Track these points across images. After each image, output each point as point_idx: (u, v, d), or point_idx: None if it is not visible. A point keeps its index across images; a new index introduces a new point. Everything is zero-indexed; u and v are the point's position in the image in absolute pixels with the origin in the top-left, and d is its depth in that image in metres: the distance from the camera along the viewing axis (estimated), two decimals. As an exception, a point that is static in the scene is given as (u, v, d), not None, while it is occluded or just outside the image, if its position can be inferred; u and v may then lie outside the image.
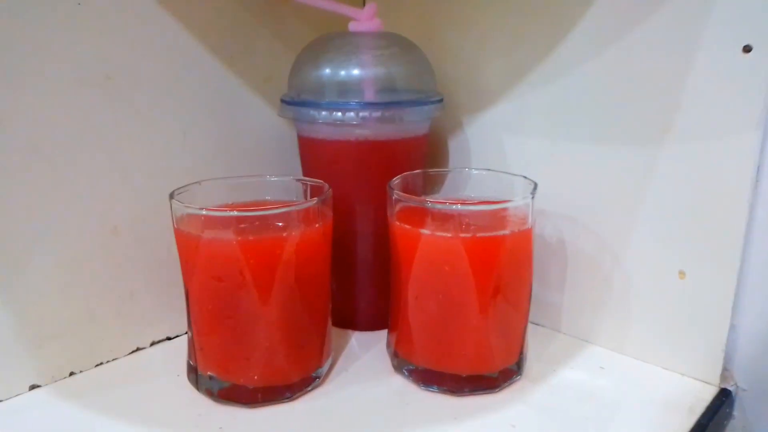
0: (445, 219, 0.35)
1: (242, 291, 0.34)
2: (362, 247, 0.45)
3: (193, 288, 0.36)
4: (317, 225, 0.36)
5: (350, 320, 0.46)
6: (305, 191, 0.41)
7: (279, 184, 0.42)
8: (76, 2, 0.37)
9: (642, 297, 0.41)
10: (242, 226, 0.34)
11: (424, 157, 0.46)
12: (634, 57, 0.39)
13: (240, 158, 0.47)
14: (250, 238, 0.34)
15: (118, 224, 0.41)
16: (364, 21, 0.42)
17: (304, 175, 0.46)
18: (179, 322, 0.44)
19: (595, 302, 0.43)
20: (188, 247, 0.35)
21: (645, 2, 0.37)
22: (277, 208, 0.34)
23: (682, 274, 0.39)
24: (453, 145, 0.50)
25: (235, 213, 0.34)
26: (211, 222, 0.34)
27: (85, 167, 0.39)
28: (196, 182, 0.39)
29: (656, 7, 0.37)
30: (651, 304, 0.41)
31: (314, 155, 0.44)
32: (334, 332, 0.42)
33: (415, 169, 0.43)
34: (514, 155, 0.46)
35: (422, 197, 0.42)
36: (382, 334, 0.43)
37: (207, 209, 0.34)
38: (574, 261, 0.44)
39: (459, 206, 0.35)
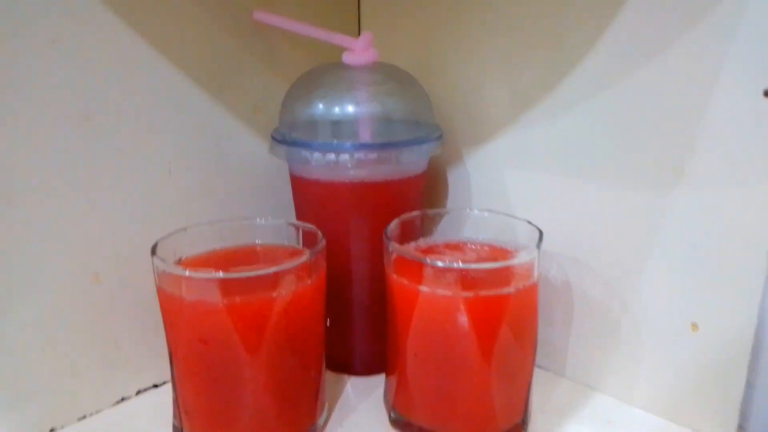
0: (445, 275, 0.33)
1: (229, 354, 0.32)
2: (357, 290, 0.43)
3: (178, 349, 0.34)
4: (309, 281, 0.34)
5: (345, 364, 0.44)
6: (297, 236, 0.39)
7: (269, 227, 0.40)
8: (50, 39, 0.34)
9: (652, 346, 0.39)
10: (228, 286, 0.32)
11: (421, 194, 0.43)
12: (648, 94, 0.36)
13: (229, 194, 0.45)
14: (237, 300, 0.32)
15: (99, 270, 0.39)
16: (358, 52, 0.40)
17: (297, 212, 0.43)
18: (166, 368, 0.42)
19: (603, 348, 0.41)
20: (171, 308, 0.33)
21: (661, 37, 0.35)
22: (265, 267, 0.32)
23: (694, 326, 0.37)
24: (452, 180, 0.47)
25: (221, 275, 0.31)
26: (195, 283, 0.32)
27: (63, 212, 0.37)
28: (181, 229, 0.37)
29: (672, 42, 0.34)
30: (661, 354, 0.39)
31: (307, 195, 0.42)
32: (328, 377, 0.40)
33: (413, 208, 0.41)
34: (517, 191, 0.44)
35: (422, 242, 0.40)
36: (379, 380, 0.41)
37: (190, 270, 0.32)
38: (581, 304, 0.42)
39: (460, 264, 0.33)
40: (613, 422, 0.39)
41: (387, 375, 0.40)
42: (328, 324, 0.39)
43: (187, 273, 0.32)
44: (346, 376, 0.44)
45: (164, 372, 0.43)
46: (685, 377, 0.38)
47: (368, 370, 0.44)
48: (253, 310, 0.32)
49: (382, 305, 0.39)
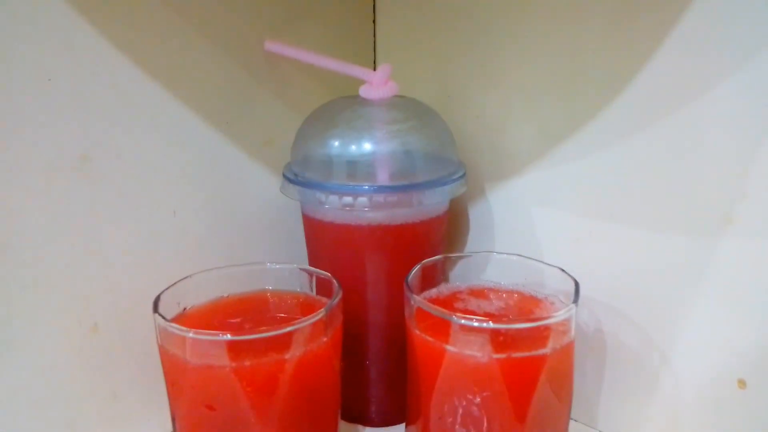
0: (475, 333, 0.30)
1: (239, 420, 0.30)
2: (374, 338, 0.40)
3: (181, 415, 0.31)
4: (325, 338, 0.31)
5: (361, 415, 0.41)
6: (310, 282, 0.36)
7: (281, 272, 0.37)
8: (47, 78, 0.32)
9: (694, 405, 0.36)
10: (237, 348, 0.29)
11: (443, 237, 0.41)
12: (695, 131, 0.33)
13: (237, 237, 0.42)
14: (247, 363, 0.29)
15: (98, 321, 0.36)
16: (377, 85, 0.37)
17: (309, 255, 0.41)
18: (167, 420, 0.40)
19: (638, 403, 0.38)
20: (174, 370, 0.30)
21: (710, 67, 0.32)
22: (277, 328, 0.29)
23: (741, 383, 0.34)
24: (474, 219, 0.44)
25: (228, 337, 0.29)
26: (200, 345, 0.29)
27: (60, 259, 0.34)
28: (186, 277, 0.35)
29: (724, 76, 0.32)
30: (704, 412, 0.36)
31: (321, 238, 0.39)
32: (342, 427, 0.37)
33: (434, 251, 0.38)
34: (544, 231, 0.41)
35: (444, 288, 0.37)
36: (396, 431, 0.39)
37: (195, 332, 0.29)
38: (614, 354, 0.39)
39: (491, 324, 0.30)
40: (652, 487, 0.36)
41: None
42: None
43: (191, 334, 0.29)
44: (360, 427, 0.41)
45: (166, 424, 0.40)
46: (731, 438, 0.35)
47: (384, 422, 0.41)
48: (264, 373, 0.29)
49: (400, 353, 0.36)
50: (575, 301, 0.32)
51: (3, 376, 0.33)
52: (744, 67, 0.31)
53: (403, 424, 0.38)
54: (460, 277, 0.39)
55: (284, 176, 0.38)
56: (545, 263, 0.36)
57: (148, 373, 0.38)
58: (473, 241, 0.45)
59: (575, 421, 0.42)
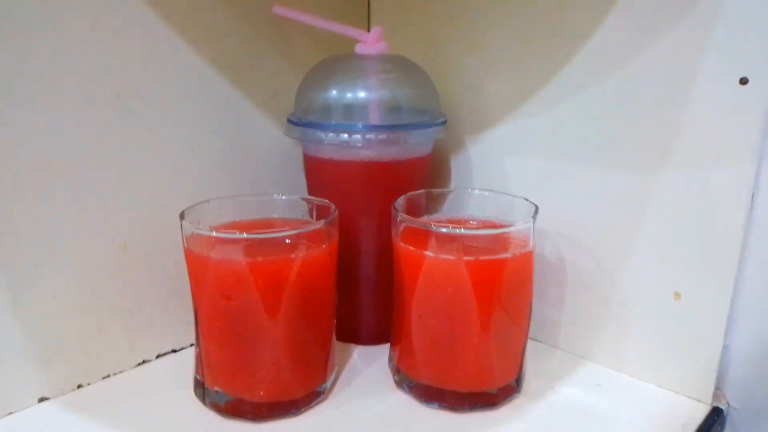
0: (448, 241, 0.36)
1: (250, 309, 0.35)
2: (366, 264, 0.46)
3: (203, 306, 0.37)
4: (324, 246, 0.37)
5: (353, 334, 0.47)
6: (311, 210, 0.42)
7: (286, 202, 0.43)
8: (90, 27, 0.38)
9: (638, 316, 0.42)
10: (251, 247, 0.35)
11: (427, 176, 0.47)
12: (635, 84, 0.40)
13: (247, 173, 0.48)
14: (259, 259, 0.35)
15: (127, 240, 0.42)
16: (370, 44, 0.43)
17: (309, 191, 0.47)
18: (184, 335, 0.45)
19: (593, 320, 0.45)
20: (198, 267, 0.36)
21: (645, 33, 0.38)
22: (286, 230, 0.35)
23: (677, 295, 0.40)
24: (455, 165, 0.51)
25: (245, 235, 0.34)
26: (221, 243, 0.35)
27: (97, 184, 0.40)
28: (205, 201, 0.40)
29: (657, 37, 0.38)
30: (647, 323, 0.42)
31: (320, 174, 0.45)
32: (337, 346, 0.43)
33: (419, 189, 0.44)
34: (516, 175, 0.47)
35: (426, 218, 0.43)
36: (384, 349, 0.44)
37: (217, 231, 0.35)
38: (573, 280, 0.45)
39: (463, 230, 0.36)
40: (602, 385, 0.42)
41: (392, 342, 0.43)
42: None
43: (214, 234, 0.35)
44: (353, 346, 0.47)
45: (183, 338, 0.46)
46: (667, 344, 0.41)
47: (374, 340, 0.47)
48: (273, 268, 0.35)
49: (388, 279, 0.42)
50: (533, 217, 0.38)
51: (44, 285, 0.38)
52: (674, 26, 0.37)
53: (389, 344, 0.44)
54: (441, 212, 0.45)
55: (288, 120, 0.44)
56: (513, 195, 0.42)
57: (169, 292, 0.44)
58: (454, 186, 0.51)
59: (541, 342, 0.48)
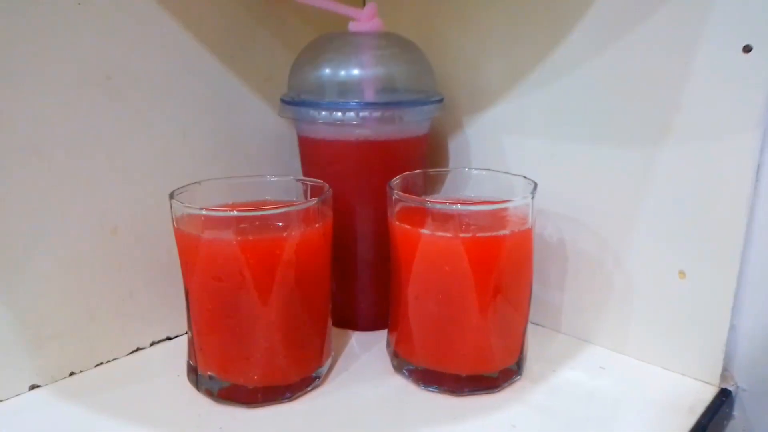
0: (445, 219, 0.35)
1: (242, 291, 0.34)
2: (362, 247, 0.45)
3: (193, 288, 0.36)
4: (317, 225, 0.36)
5: (350, 320, 0.46)
6: (305, 191, 0.41)
7: (279, 184, 0.42)
8: (76, 2, 0.37)
9: (642, 297, 0.41)
10: (242, 226, 0.34)
11: (424, 156, 0.46)
12: (634, 57, 0.38)
13: (239, 158, 0.47)
14: (250, 238, 0.34)
15: (117, 224, 0.41)
16: (363, 21, 0.42)
17: (304, 175, 0.46)
18: (179, 322, 0.44)
19: (596, 302, 0.43)
20: (188, 247, 0.35)
21: (644, 3, 0.37)
22: (277, 208, 0.34)
23: (682, 274, 0.39)
24: (453, 145, 0.50)
25: (235, 213, 0.34)
26: (211, 222, 0.34)
27: (85, 167, 0.39)
28: (195, 182, 0.39)
29: (656, 7, 0.37)
30: (651, 304, 0.41)
31: (314, 155, 0.44)
32: (334, 332, 0.42)
33: (415, 169, 0.43)
34: (514, 155, 0.46)
35: (422, 197, 0.42)
36: (382, 334, 0.43)
37: (207, 209, 0.34)
38: (575, 261, 0.44)
39: (459, 206, 0.35)
40: (606, 368, 0.41)
41: (389, 326, 0.42)
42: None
43: (203, 212, 0.34)
44: (350, 332, 0.46)
45: (178, 325, 0.45)
46: (673, 325, 0.40)
47: (371, 326, 0.46)
48: (264, 247, 0.34)
49: (385, 263, 0.41)
50: (532, 194, 0.37)
51: (34, 270, 0.38)
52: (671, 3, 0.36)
53: (386, 330, 0.43)
54: (439, 192, 0.44)
55: (282, 100, 0.43)
56: (510, 173, 0.41)
57: (161, 277, 0.44)
58: (452, 165, 0.50)
59: (542, 327, 0.47)
